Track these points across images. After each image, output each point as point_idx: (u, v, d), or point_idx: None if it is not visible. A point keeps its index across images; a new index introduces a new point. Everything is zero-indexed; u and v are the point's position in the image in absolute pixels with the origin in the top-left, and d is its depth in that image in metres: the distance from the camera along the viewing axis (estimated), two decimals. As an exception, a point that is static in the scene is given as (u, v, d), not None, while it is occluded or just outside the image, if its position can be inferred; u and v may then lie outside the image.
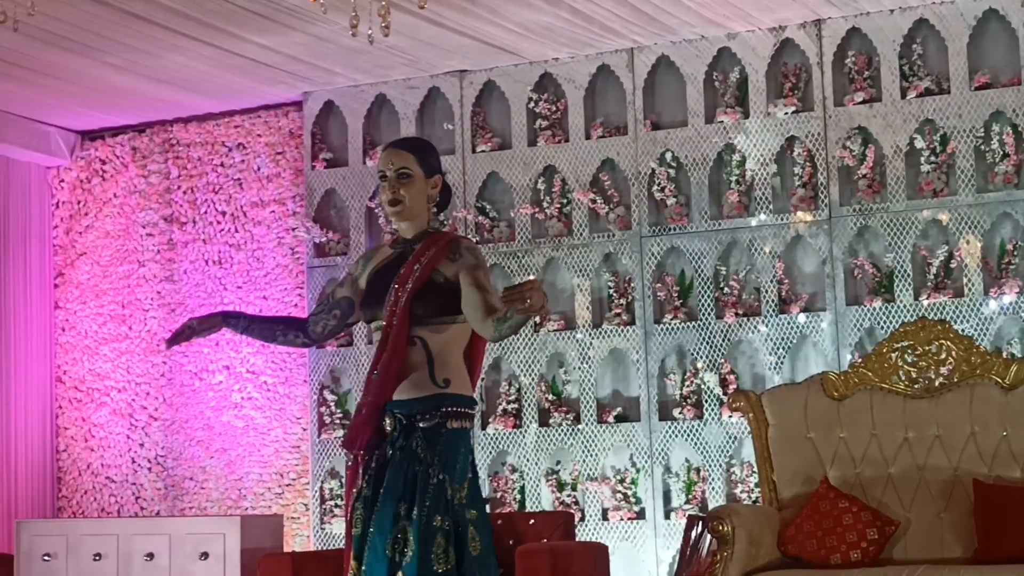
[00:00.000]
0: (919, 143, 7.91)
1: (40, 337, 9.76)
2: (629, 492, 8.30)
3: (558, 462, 8.50)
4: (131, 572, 8.14)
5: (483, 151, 8.78)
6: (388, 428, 4.67)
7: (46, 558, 8.29)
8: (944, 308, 7.73)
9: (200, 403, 9.44)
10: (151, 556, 8.10)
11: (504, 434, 8.54)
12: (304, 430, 9.12)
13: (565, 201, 8.63)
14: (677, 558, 7.49)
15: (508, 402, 8.60)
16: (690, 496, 8.17)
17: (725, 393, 8.08)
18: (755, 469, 7.08)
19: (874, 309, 7.90)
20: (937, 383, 6.47)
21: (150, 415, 9.56)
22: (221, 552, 7.96)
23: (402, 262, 4.75)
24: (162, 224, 9.66)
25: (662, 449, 8.24)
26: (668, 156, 8.41)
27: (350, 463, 4.74)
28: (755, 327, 8.12)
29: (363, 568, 4.54)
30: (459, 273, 4.70)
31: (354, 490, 4.70)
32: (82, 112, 9.43)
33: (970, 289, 7.73)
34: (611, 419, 8.38)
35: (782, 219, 8.14)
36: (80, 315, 9.82)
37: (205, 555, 7.98)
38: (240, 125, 9.50)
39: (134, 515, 9.45)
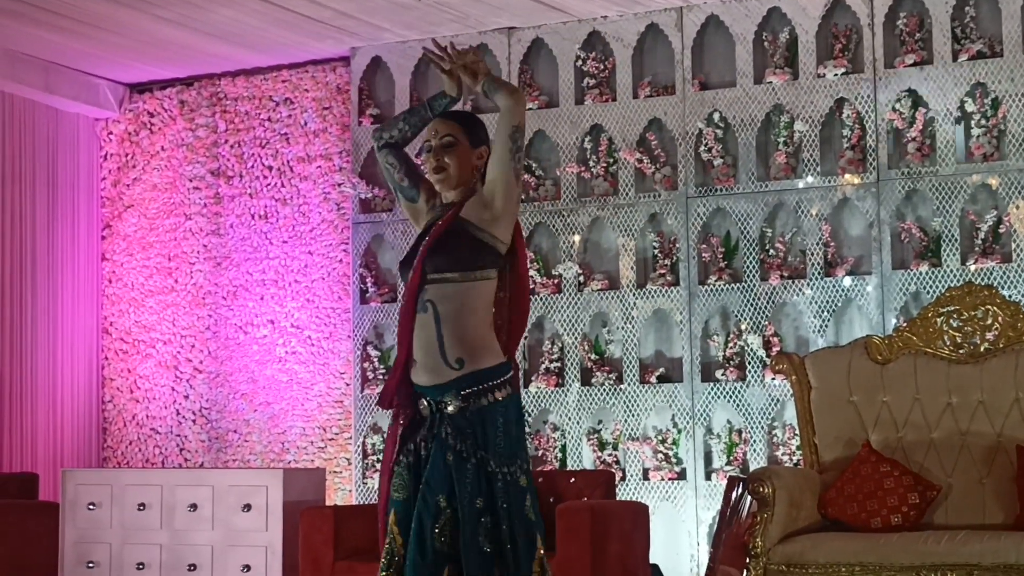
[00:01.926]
0: (970, 106, 7.84)
1: (87, 288, 9.84)
2: (670, 452, 8.30)
3: (600, 421, 8.51)
4: (174, 522, 8.21)
5: (530, 109, 8.75)
6: (423, 411, 4.51)
7: (91, 507, 8.36)
8: (991, 273, 7.68)
9: (244, 356, 9.49)
10: (194, 507, 8.15)
11: (546, 393, 8.56)
12: (347, 385, 9.16)
13: (611, 160, 8.60)
14: (717, 519, 7.49)
15: (551, 361, 8.61)
16: (731, 458, 8.16)
17: (768, 355, 8.06)
18: (797, 432, 7.06)
19: (920, 273, 7.85)
20: (982, 348, 6.43)
21: (195, 367, 9.62)
22: (264, 504, 8.01)
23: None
24: (209, 178, 9.70)
25: (704, 410, 8.24)
26: (716, 116, 8.37)
27: (391, 424, 4.61)
28: (800, 289, 8.09)
29: (407, 550, 4.46)
30: (488, 187, 4.55)
31: (396, 453, 4.58)
32: (131, 64, 9.46)
33: (1018, 255, 7.67)
34: (653, 379, 8.38)
35: (829, 181, 8.10)
36: (127, 267, 9.88)
37: (248, 507, 8.03)
38: (287, 80, 9.52)
39: (178, 466, 9.53)
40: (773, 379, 8.02)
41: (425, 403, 4.50)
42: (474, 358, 4.43)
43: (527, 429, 8.44)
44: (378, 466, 8.85)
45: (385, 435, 8.87)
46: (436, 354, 4.43)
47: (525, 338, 8.62)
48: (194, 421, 9.60)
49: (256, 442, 9.41)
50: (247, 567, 8.00)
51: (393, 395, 4.53)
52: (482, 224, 4.51)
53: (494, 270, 4.53)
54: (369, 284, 9.01)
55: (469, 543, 4.39)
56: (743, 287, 8.21)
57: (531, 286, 8.56)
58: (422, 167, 4.72)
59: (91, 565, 8.33)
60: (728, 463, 8.16)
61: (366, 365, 8.97)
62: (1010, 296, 7.36)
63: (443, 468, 4.42)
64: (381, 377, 8.92)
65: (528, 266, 4.67)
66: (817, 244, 8.09)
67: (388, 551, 4.53)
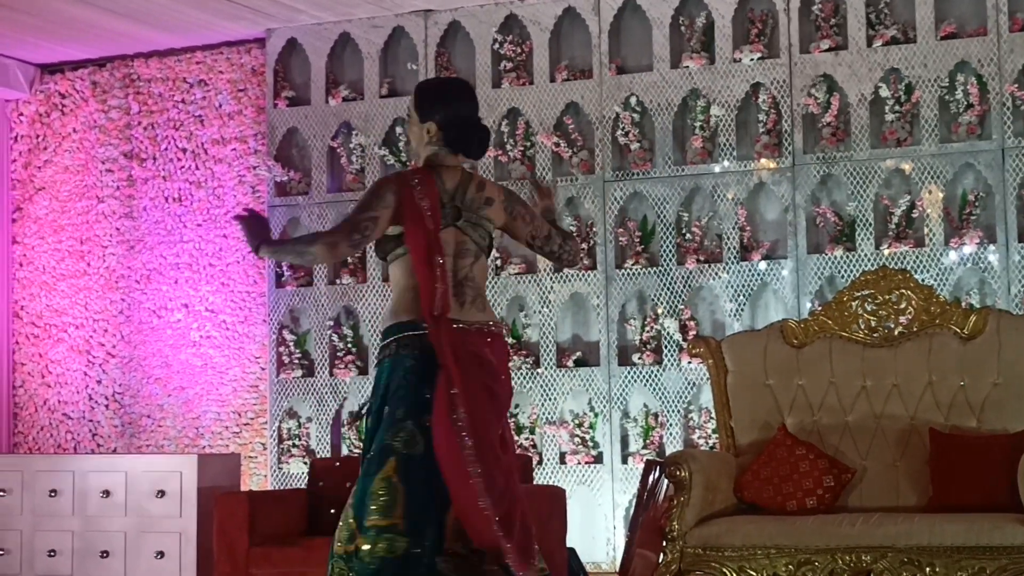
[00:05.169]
0: (884, 92, 7.90)
1: (-3, 272, 9.70)
2: (587, 436, 8.31)
3: (517, 405, 8.49)
4: (87, 509, 8.12)
5: (447, 92, 8.71)
6: None
7: (1, 494, 8.26)
8: (905, 258, 7.75)
9: (158, 341, 9.39)
10: (107, 493, 8.07)
11: (463, 376, 8.52)
12: (263, 369, 9.09)
13: (528, 144, 8.59)
14: (634, 503, 7.51)
15: (468, 345, 8.58)
16: (648, 441, 8.19)
17: (685, 339, 8.09)
18: (713, 415, 7.09)
19: (835, 257, 7.91)
20: (896, 332, 6.48)
21: (108, 352, 9.51)
22: (178, 490, 7.94)
23: None
24: (122, 160, 9.58)
25: (621, 394, 8.25)
26: (633, 101, 8.38)
27: None
28: (716, 274, 8.13)
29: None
30: None
31: None
32: (42, 45, 9.32)
33: (931, 239, 7.75)
34: (570, 363, 8.38)
35: (745, 166, 8.13)
36: (38, 250, 9.75)
37: (162, 493, 7.96)
38: (202, 61, 9.42)
39: (91, 452, 9.42)
40: (689, 363, 8.05)
41: None
42: (387, 315, 4.89)
43: None
44: (293, 451, 8.81)
45: (301, 420, 8.85)
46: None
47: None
48: (107, 406, 9.49)
49: (170, 427, 9.32)
50: (161, 553, 7.93)
51: None
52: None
53: (395, 252, 4.91)
54: (284, 268, 8.94)
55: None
56: (660, 271, 8.23)
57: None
58: None
59: (1, 552, 8.23)
60: (645, 447, 8.18)
61: (281, 349, 8.91)
62: (923, 280, 7.43)
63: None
64: (297, 361, 8.86)
65: (414, 243, 4.88)
66: (733, 228, 8.12)
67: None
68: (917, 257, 7.74)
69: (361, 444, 4.83)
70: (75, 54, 9.55)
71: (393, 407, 4.72)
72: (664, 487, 6.80)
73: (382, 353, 4.84)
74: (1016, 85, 7.69)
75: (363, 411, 4.90)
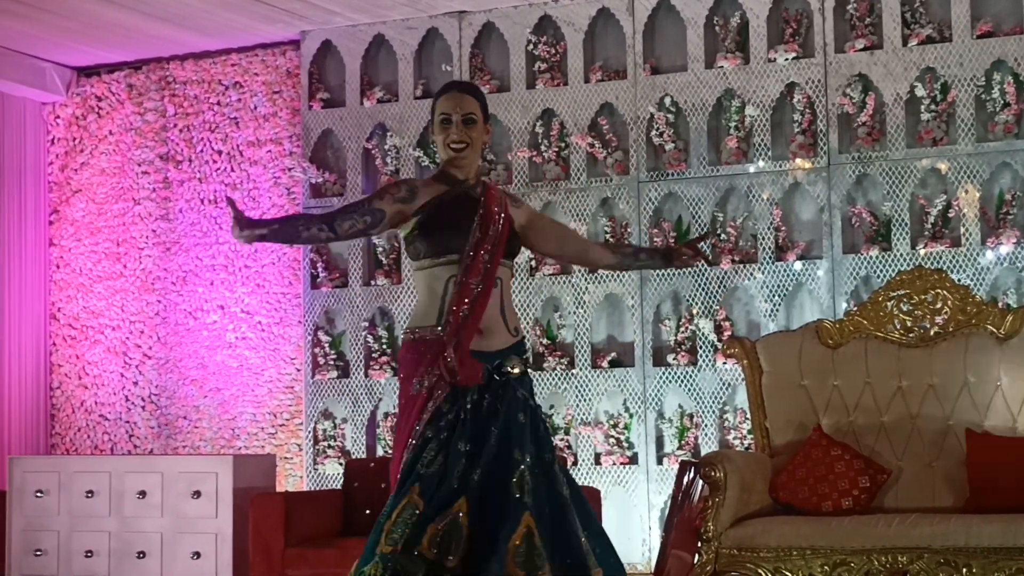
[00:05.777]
0: (920, 91, 7.87)
1: (34, 274, 9.74)
2: (622, 437, 8.30)
3: (552, 406, 8.50)
4: (123, 509, 8.15)
5: (481, 93, 8.72)
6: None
7: (39, 494, 8.30)
8: (941, 257, 7.71)
9: (194, 342, 9.42)
10: (143, 494, 8.10)
11: (498, 377, 8.52)
12: (298, 371, 9.11)
13: (563, 145, 8.59)
14: (669, 503, 7.50)
15: (502, 345, 8.58)
16: (683, 442, 8.17)
17: (720, 340, 8.07)
18: (748, 416, 7.07)
19: (871, 257, 7.88)
20: (932, 332, 6.46)
21: (144, 353, 9.55)
22: (214, 491, 7.97)
23: (467, 201, 4.91)
24: (158, 162, 9.62)
25: (655, 395, 8.24)
26: (667, 101, 8.36)
27: (417, 393, 4.75)
28: (751, 274, 8.11)
29: (467, 512, 4.59)
30: (529, 218, 5.08)
31: (419, 426, 4.71)
32: (78, 48, 9.37)
33: (967, 239, 7.71)
34: (605, 364, 8.37)
35: (780, 166, 8.11)
36: (75, 252, 9.80)
37: (198, 493, 7.99)
38: (237, 63, 9.45)
39: (127, 453, 9.46)
40: (724, 363, 8.03)
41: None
42: (520, 329, 4.91)
43: None
44: (328, 452, 8.82)
45: (337, 420, 8.85)
46: (500, 321, 4.82)
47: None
48: (143, 407, 9.53)
49: (206, 428, 9.35)
50: (197, 554, 7.96)
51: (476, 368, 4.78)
52: (522, 232, 5.03)
53: None
54: (320, 269, 8.96)
55: (556, 492, 4.68)
56: (694, 271, 8.21)
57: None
58: (434, 137, 4.99)
59: (39, 553, 8.27)
60: (679, 447, 8.17)
61: (317, 351, 8.93)
62: (959, 280, 7.40)
63: (519, 425, 4.71)
64: (332, 362, 8.88)
65: None
66: (768, 228, 8.10)
67: (408, 516, 4.62)
68: (953, 257, 7.71)
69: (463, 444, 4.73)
70: (111, 57, 9.60)
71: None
72: (699, 488, 6.79)
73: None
74: (1053, 84, 7.66)
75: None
